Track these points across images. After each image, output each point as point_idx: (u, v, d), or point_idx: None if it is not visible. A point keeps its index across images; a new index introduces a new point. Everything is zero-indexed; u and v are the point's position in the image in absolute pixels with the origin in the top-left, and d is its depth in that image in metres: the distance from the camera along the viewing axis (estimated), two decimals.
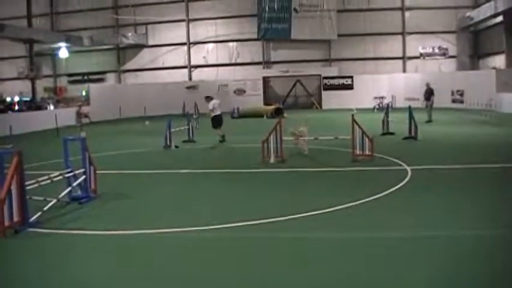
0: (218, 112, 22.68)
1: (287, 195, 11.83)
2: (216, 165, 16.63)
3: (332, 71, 49.84)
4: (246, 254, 7.83)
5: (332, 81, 49.23)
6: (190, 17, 52.47)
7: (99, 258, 7.99)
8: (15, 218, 9.46)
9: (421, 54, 49.47)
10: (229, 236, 8.78)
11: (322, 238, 8.42)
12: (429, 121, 28.52)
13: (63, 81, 56.61)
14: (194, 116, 24.04)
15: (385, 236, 8.36)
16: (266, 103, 47.54)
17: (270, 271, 7.05)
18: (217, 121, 22.71)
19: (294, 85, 50.75)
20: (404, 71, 49.58)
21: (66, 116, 37.30)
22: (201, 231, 9.04)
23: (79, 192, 11.90)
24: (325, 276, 6.78)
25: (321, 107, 49.39)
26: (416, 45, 49.22)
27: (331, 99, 48.31)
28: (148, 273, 7.22)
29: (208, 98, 23.18)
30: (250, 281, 6.77)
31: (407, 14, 48.82)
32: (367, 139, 16.00)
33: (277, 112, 36.74)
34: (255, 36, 50.92)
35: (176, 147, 21.28)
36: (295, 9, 49.47)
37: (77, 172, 11.69)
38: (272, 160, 16.18)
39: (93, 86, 51.32)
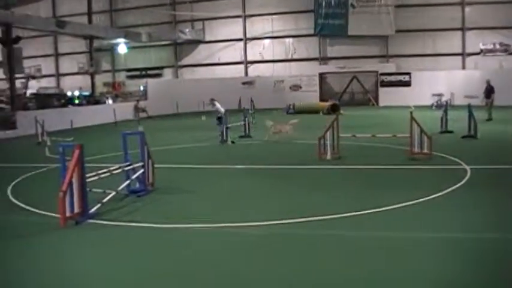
0: (223, 111, 24.18)
1: (344, 192, 11.74)
2: (273, 160, 16.64)
3: (389, 67, 49.15)
4: (300, 251, 7.82)
5: (389, 78, 48.58)
6: (246, 13, 52.61)
7: (155, 251, 8.11)
8: (76, 210, 9.69)
9: (482, 51, 48.21)
10: (285, 232, 8.76)
11: (379, 237, 8.33)
12: (489, 119, 27.81)
13: (121, 76, 57.64)
14: (250, 112, 24.12)
15: (442, 236, 8.20)
16: (322, 99, 47.30)
17: (325, 269, 7.04)
18: (222, 119, 24.02)
19: (351, 81, 50.28)
20: (463, 67, 48.45)
21: (124, 110, 38.03)
22: (257, 227, 9.07)
23: (137, 186, 12.10)
24: (380, 274, 6.72)
25: (377, 103, 48.85)
26: (476, 41, 47.97)
27: (388, 96, 47.67)
28: (202, 267, 7.29)
29: (213, 100, 24.55)
30: (305, 278, 6.76)
31: (467, 9, 47.66)
32: (425, 137, 15.74)
33: (334, 108, 36.50)
34: (312, 32, 50.63)
35: (232, 142, 21.42)
36: (352, 4, 48.98)
37: (135, 166, 11.91)
38: (328, 157, 16.10)
39: (150, 81, 52.08)
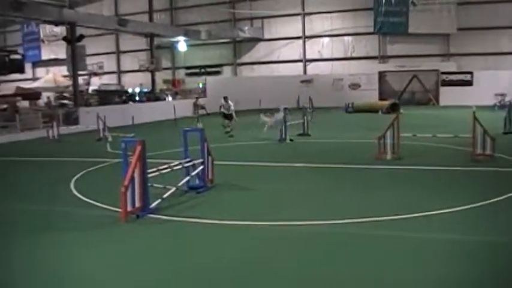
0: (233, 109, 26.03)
1: (403, 192, 11.55)
2: (331, 159, 16.50)
3: (451, 66, 48.07)
4: (361, 251, 7.75)
5: (450, 77, 47.53)
6: (305, 11, 52.37)
7: (214, 247, 8.19)
8: (137, 204, 9.86)
9: None
10: (345, 231, 8.70)
11: (441, 239, 8.17)
12: None
13: (181, 74, 58.20)
14: (309, 110, 23.99)
15: (504, 241, 8.00)
16: (381, 98, 46.70)
17: (381, 270, 6.97)
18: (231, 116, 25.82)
19: (411, 80, 49.40)
20: None
21: (183, 107, 38.48)
22: (318, 225, 9.03)
23: (197, 182, 12.22)
24: (437, 277, 6.60)
25: (438, 103, 47.93)
26: None
27: (449, 96, 46.57)
28: (255, 263, 7.33)
29: (227, 98, 25.79)
30: (360, 277, 6.72)
31: None
32: (488, 138, 15.35)
33: (393, 108, 35.96)
34: (371, 30, 49.93)
35: (291, 140, 21.37)
36: (413, 2, 48.07)
37: (195, 162, 12.03)
38: (388, 156, 15.88)
39: (209, 79, 52.42)
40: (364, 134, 21.79)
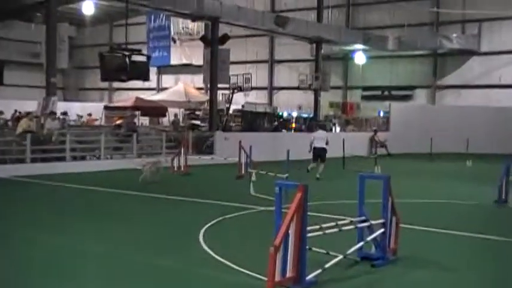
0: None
1: None
2: None
3: None
4: None
5: None
6: None
7: None
8: (289, 273, 9.86)
9: None
10: None
11: None
12: None
13: (355, 96, 58.00)
14: None
15: None
16: None
17: None
18: None
19: None
20: None
21: (356, 142, 38.48)
22: None
23: (373, 250, 12.10)
24: None
25: None
26: None
27: None
28: None
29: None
30: None
31: None
32: None
33: None
34: None
35: None
36: None
37: (373, 222, 11.89)
38: None
39: (395, 105, 51.48)
40: None
